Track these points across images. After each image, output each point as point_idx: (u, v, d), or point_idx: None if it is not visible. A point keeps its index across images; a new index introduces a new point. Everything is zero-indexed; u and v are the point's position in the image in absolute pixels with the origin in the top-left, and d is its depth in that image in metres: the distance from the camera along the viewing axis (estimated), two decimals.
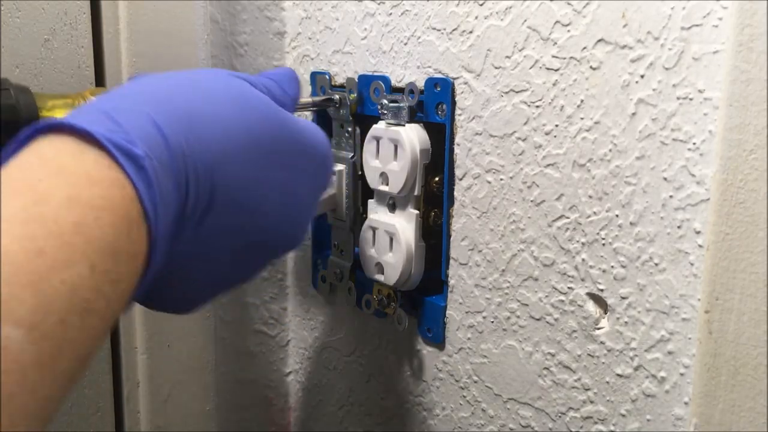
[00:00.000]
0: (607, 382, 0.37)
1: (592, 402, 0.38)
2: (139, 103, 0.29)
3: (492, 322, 0.43)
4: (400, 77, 0.46)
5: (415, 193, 0.44)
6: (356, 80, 0.48)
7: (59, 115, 0.37)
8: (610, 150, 0.35)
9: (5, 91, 0.35)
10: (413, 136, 0.44)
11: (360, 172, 0.49)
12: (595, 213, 0.37)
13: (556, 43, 0.37)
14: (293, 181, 0.34)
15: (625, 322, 0.36)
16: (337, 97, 0.49)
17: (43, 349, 0.21)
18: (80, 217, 0.23)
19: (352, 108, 0.49)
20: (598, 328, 0.38)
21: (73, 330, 0.22)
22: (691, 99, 0.32)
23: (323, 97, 0.49)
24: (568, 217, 0.38)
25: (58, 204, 0.23)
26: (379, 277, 0.47)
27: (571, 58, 0.36)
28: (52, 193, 0.23)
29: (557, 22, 0.37)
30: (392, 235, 0.45)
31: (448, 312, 0.46)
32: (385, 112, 0.45)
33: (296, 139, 0.35)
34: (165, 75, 0.33)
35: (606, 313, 0.37)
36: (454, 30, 0.42)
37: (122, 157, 0.26)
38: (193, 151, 0.29)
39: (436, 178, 0.45)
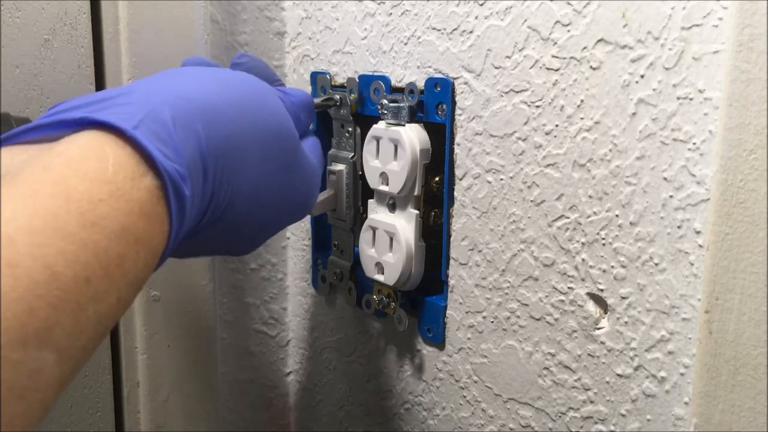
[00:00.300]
0: (607, 382, 0.37)
1: (592, 402, 0.38)
2: (193, 118, 0.29)
3: (492, 322, 0.43)
4: (400, 77, 0.46)
5: (415, 193, 0.44)
6: (357, 80, 0.48)
7: None
8: (610, 150, 0.35)
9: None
10: (413, 136, 0.44)
11: (360, 172, 0.49)
12: (595, 213, 0.37)
13: (556, 43, 0.37)
14: (279, 205, 0.37)
15: (625, 322, 0.36)
16: (337, 97, 0.49)
17: (64, 371, 0.22)
18: (125, 250, 0.24)
19: (352, 108, 0.49)
20: (598, 328, 0.38)
21: (89, 352, 0.23)
22: (691, 99, 0.32)
23: (323, 98, 0.49)
24: (568, 217, 0.38)
25: (112, 233, 0.23)
26: (379, 277, 0.47)
27: (571, 58, 0.36)
28: (110, 219, 0.23)
29: (557, 22, 0.37)
30: (392, 235, 0.45)
31: (448, 312, 0.46)
32: (385, 112, 0.45)
33: (300, 171, 0.37)
34: (216, 79, 0.33)
35: (606, 313, 0.37)
36: (454, 30, 0.42)
37: (173, 195, 0.26)
38: (222, 182, 0.30)
39: (436, 178, 0.45)
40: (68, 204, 0.22)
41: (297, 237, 0.58)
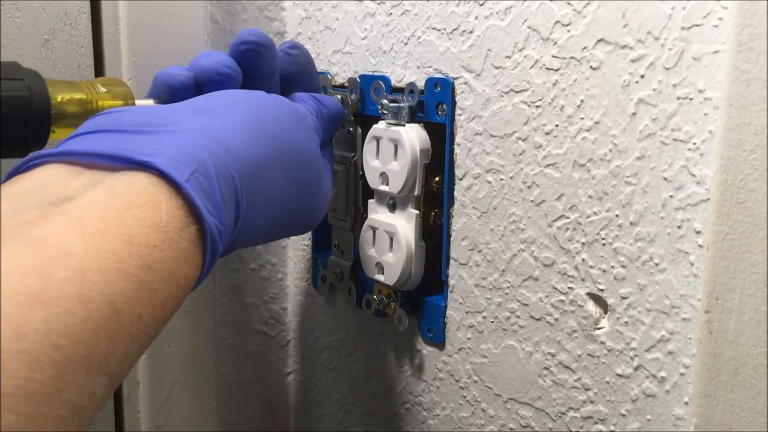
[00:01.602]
0: (607, 382, 0.37)
1: (592, 402, 0.38)
2: (231, 168, 0.31)
3: (492, 322, 0.43)
4: (400, 77, 0.46)
5: (415, 193, 0.44)
6: (358, 80, 0.48)
7: (71, 109, 0.37)
8: (610, 150, 0.35)
9: (19, 81, 0.35)
10: (413, 136, 0.44)
11: (360, 172, 0.49)
12: (595, 213, 0.37)
13: (556, 43, 0.37)
14: (290, 232, 0.40)
15: (625, 322, 0.36)
16: (338, 97, 0.49)
17: (109, 393, 0.24)
18: (169, 292, 0.27)
19: (353, 108, 0.49)
20: (598, 328, 0.38)
21: (125, 376, 0.26)
22: (691, 99, 0.32)
23: None
24: (568, 217, 0.38)
25: (163, 277, 0.26)
26: (379, 277, 0.47)
27: (571, 58, 0.36)
28: (161, 263, 0.26)
29: (557, 22, 0.37)
30: (392, 235, 0.45)
31: (448, 312, 0.46)
32: (386, 112, 0.45)
33: (321, 205, 0.41)
34: (254, 119, 0.35)
35: (606, 313, 0.37)
36: (454, 30, 0.42)
37: (210, 247, 0.29)
38: (247, 222, 0.33)
39: (436, 178, 0.45)
40: (131, 247, 0.25)
41: (297, 237, 0.58)
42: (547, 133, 0.38)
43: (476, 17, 0.41)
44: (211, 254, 0.29)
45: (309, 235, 0.56)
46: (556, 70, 0.37)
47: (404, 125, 0.44)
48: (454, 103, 0.43)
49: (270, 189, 0.34)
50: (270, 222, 0.35)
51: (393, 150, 0.44)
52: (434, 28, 0.43)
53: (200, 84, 0.39)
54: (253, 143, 0.33)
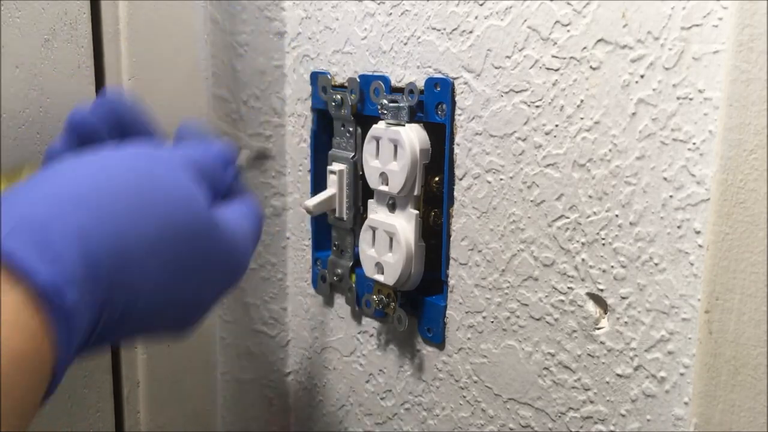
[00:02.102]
0: (607, 382, 0.37)
1: (592, 402, 0.38)
2: (72, 219, 0.27)
3: (492, 322, 0.43)
4: (400, 77, 0.46)
5: (415, 193, 0.44)
6: (358, 80, 0.48)
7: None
8: (610, 150, 0.35)
9: None
10: (413, 136, 0.44)
11: (360, 172, 0.49)
12: (595, 213, 0.37)
13: (556, 43, 0.37)
14: (200, 292, 0.33)
15: (625, 322, 0.36)
16: (339, 97, 0.49)
17: None
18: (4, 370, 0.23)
19: (353, 108, 0.49)
20: (598, 328, 0.38)
21: None
22: (691, 99, 0.32)
23: (257, 151, 0.45)
24: (568, 217, 0.38)
25: None
26: (379, 277, 0.47)
27: (571, 58, 0.36)
28: None
29: (557, 22, 0.37)
30: (392, 235, 0.45)
31: (448, 312, 0.46)
32: (385, 112, 0.45)
33: (219, 255, 0.33)
34: (91, 172, 0.30)
35: (606, 313, 0.37)
36: (454, 30, 0.42)
37: (52, 306, 0.25)
38: (115, 283, 0.28)
39: (436, 178, 0.45)
40: None
41: (297, 237, 0.58)
42: (547, 133, 0.38)
43: (476, 17, 0.41)
44: (61, 314, 0.25)
45: (309, 235, 0.57)
46: (556, 70, 0.37)
47: (404, 125, 0.44)
48: (453, 103, 0.43)
49: (141, 250, 0.29)
50: (160, 290, 0.30)
51: (393, 150, 0.44)
52: (434, 28, 0.43)
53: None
54: (97, 188, 0.29)
